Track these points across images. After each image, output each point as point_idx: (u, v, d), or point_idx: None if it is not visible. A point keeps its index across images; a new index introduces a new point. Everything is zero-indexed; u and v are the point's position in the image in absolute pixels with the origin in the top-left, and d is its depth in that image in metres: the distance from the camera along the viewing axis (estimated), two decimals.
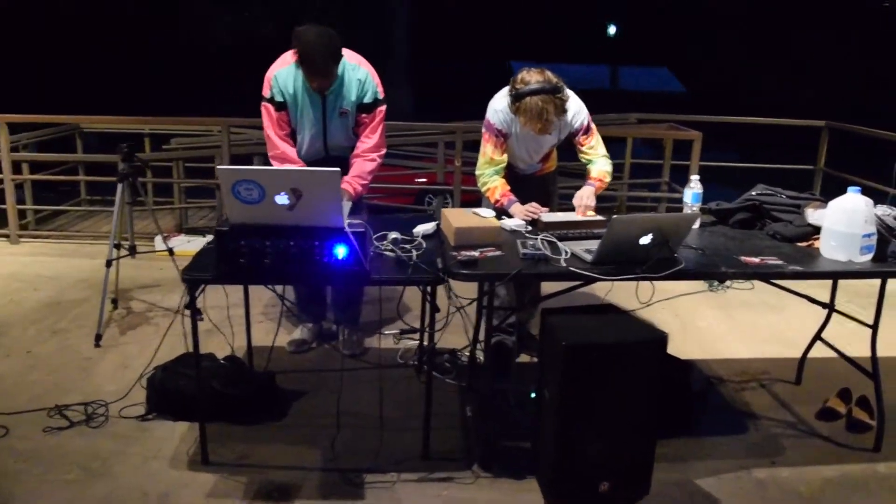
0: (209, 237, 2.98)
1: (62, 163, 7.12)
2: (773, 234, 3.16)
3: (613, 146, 3.76)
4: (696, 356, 3.97)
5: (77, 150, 7.36)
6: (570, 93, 3.21)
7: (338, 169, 2.40)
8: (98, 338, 3.94)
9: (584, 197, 3.31)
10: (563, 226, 3.14)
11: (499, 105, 3.32)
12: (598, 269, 2.64)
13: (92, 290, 4.73)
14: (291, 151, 3.45)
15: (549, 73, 3.12)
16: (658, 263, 2.65)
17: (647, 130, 6.59)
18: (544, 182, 3.73)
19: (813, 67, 20.06)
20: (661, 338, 2.56)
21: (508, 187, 3.40)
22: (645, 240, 2.64)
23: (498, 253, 2.78)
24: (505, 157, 3.43)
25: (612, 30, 21.95)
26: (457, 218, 2.98)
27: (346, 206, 2.99)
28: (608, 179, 3.45)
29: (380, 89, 3.44)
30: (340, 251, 2.53)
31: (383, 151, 3.55)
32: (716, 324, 4.51)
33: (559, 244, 2.85)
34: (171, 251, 4.21)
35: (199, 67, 16.85)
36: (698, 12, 22.46)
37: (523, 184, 3.61)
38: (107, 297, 4.18)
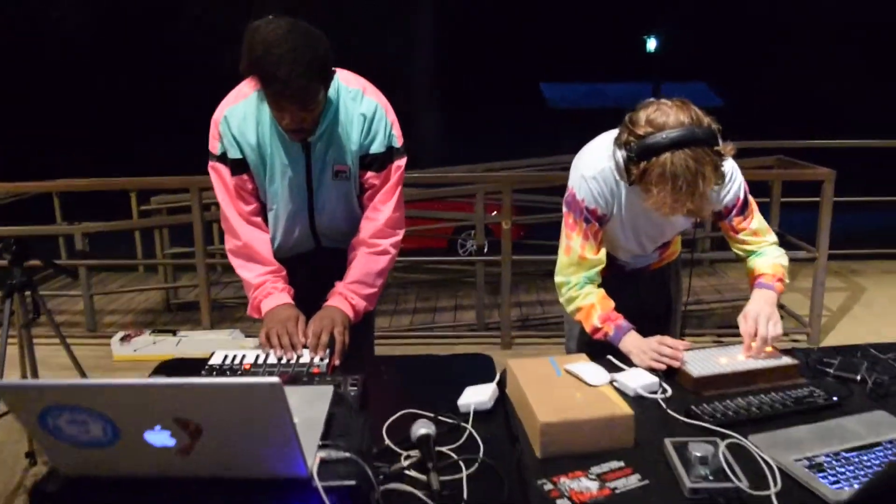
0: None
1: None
2: None
3: None
4: None
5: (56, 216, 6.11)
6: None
7: (277, 380, 1.04)
8: None
9: (763, 319, 1.88)
10: (732, 382, 1.74)
11: (593, 169, 1.94)
12: None
13: (7, 432, 3.31)
14: (262, 243, 2.12)
15: (694, 108, 1.73)
16: None
17: (753, 171, 4.86)
18: (661, 279, 2.33)
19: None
20: None
21: (612, 304, 2.01)
22: None
23: (635, 479, 1.38)
24: (603, 253, 2.04)
25: (651, 44, 20.40)
26: (537, 388, 1.59)
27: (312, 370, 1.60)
28: (787, 280, 2.05)
29: (396, 132, 2.07)
30: None
31: (400, 234, 2.18)
32: None
33: (758, 453, 1.44)
34: None
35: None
36: (738, 19, 21.03)
37: (627, 284, 2.22)
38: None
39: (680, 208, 1.74)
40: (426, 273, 6.40)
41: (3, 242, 2.59)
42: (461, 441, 1.55)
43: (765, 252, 2.04)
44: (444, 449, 1.52)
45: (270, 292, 2.09)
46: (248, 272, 2.12)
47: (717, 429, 1.52)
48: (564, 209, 2.01)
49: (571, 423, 1.45)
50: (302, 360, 1.91)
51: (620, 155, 1.77)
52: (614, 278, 2.16)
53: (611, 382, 1.66)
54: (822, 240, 4.05)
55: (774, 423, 1.57)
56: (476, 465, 1.46)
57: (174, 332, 4.35)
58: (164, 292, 5.80)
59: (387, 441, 1.55)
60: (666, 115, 1.71)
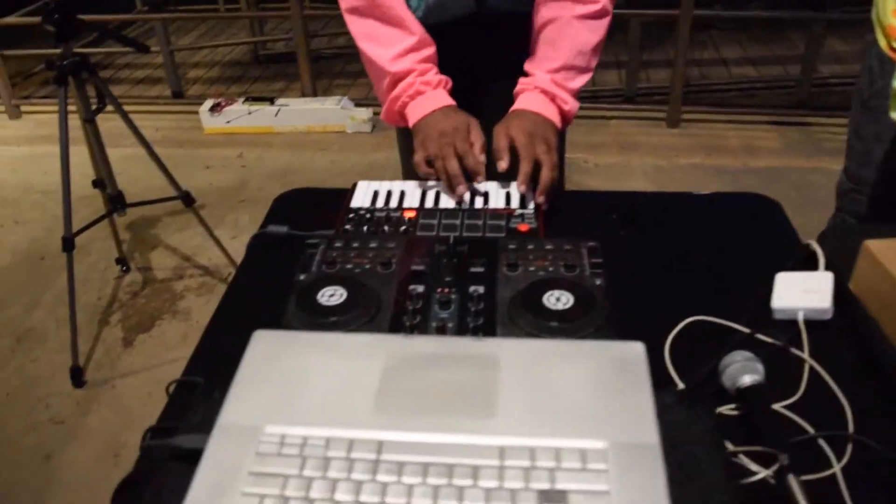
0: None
1: None
2: None
3: None
4: None
5: None
6: None
7: None
8: (76, 373, 2.19)
9: None
10: None
11: None
12: None
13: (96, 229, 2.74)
14: (399, 2, 1.32)
15: None
16: None
17: None
18: None
19: None
20: None
21: None
22: None
23: None
24: None
25: None
26: None
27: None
28: None
29: None
30: None
31: None
32: None
33: None
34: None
35: None
36: None
37: None
38: (112, 260, 2.39)
39: None
40: None
41: (42, 11, 1.89)
42: (801, 391, 0.90)
43: None
44: (777, 407, 0.87)
45: (421, 90, 1.33)
46: (378, 48, 1.33)
47: None
48: None
49: None
50: (493, 205, 1.23)
51: None
52: None
53: None
54: None
55: None
56: (848, 453, 0.81)
57: (272, 101, 3.70)
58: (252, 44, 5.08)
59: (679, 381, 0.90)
60: None
